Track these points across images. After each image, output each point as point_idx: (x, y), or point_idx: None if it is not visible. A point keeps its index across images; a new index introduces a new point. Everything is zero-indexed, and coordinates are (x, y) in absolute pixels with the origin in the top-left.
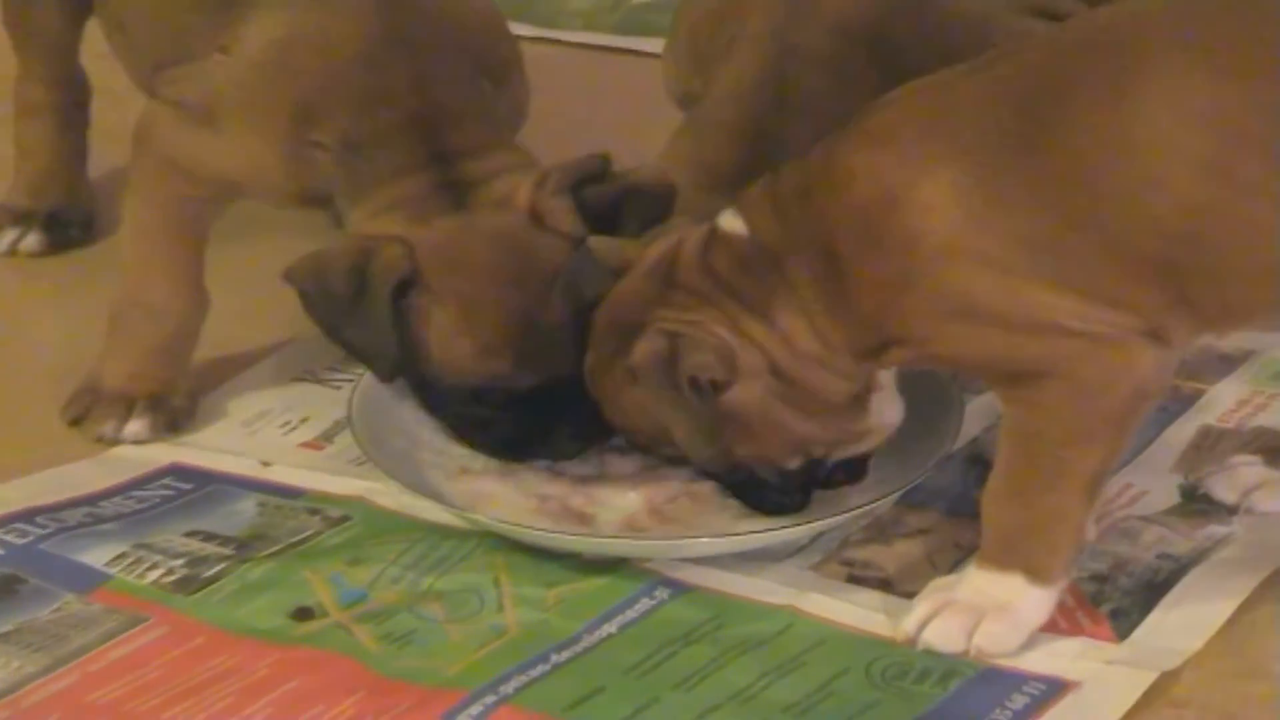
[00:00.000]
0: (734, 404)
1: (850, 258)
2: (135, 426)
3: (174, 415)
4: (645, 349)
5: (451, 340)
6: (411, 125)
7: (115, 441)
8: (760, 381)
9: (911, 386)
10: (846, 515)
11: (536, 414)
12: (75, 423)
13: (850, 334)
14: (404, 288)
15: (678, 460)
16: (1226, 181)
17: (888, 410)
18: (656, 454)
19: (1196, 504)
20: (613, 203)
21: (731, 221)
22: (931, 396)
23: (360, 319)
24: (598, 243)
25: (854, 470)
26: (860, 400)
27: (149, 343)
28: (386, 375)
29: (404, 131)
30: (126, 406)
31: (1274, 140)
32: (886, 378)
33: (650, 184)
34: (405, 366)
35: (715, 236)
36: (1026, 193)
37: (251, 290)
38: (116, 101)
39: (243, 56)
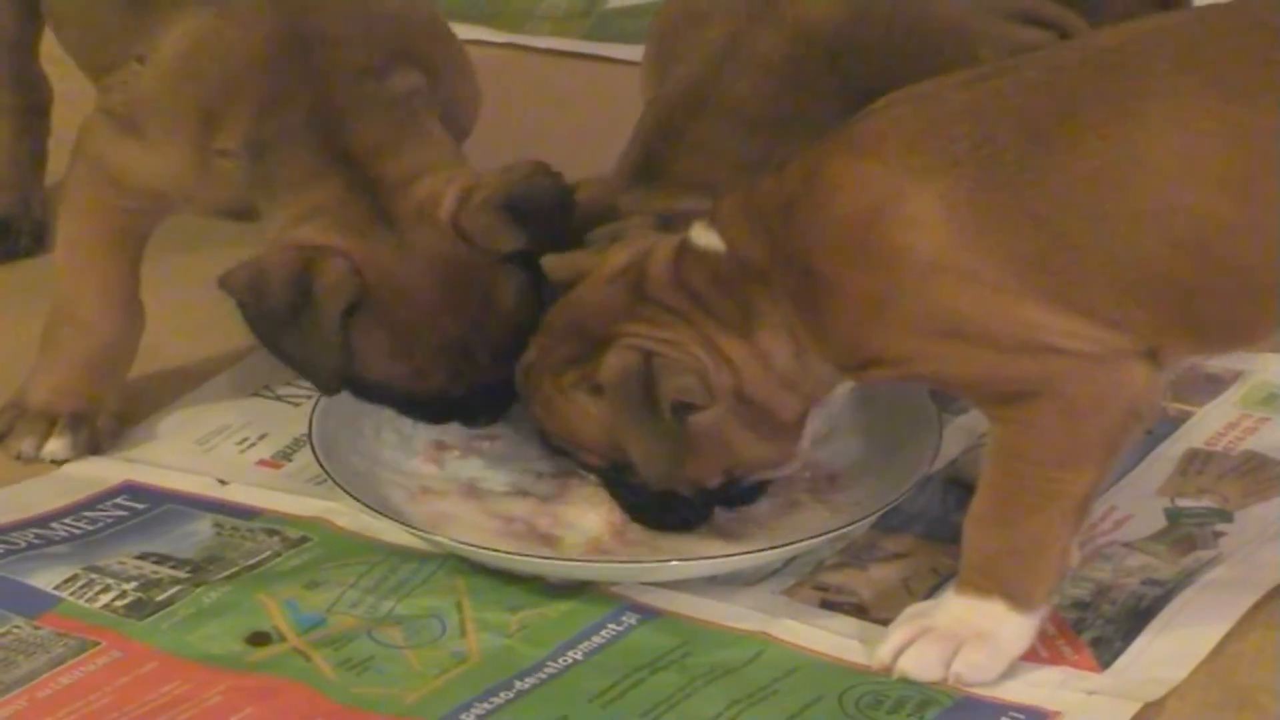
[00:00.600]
0: (699, 426)
1: (831, 273)
2: (54, 445)
3: (96, 435)
4: (617, 364)
5: (388, 360)
6: (312, 124)
7: (34, 459)
8: (725, 404)
9: (889, 407)
10: (821, 538)
11: (468, 403)
12: None
13: (831, 351)
14: (351, 309)
15: (588, 467)
16: (1244, 199)
17: (811, 430)
18: (570, 458)
19: (1182, 528)
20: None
21: (705, 236)
22: (909, 417)
23: (301, 332)
24: (550, 261)
25: (753, 493)
26: (800, 422)
27: (78, 359)
28: (329, 388)
29: (305, 131)
30: (48, 424)
31: (1275, 160)
32: (829, 401)
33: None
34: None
35: (687, 250)
36: (1021, 210)
37: (207, 304)
38: (77, 109)
39: (155, 65)
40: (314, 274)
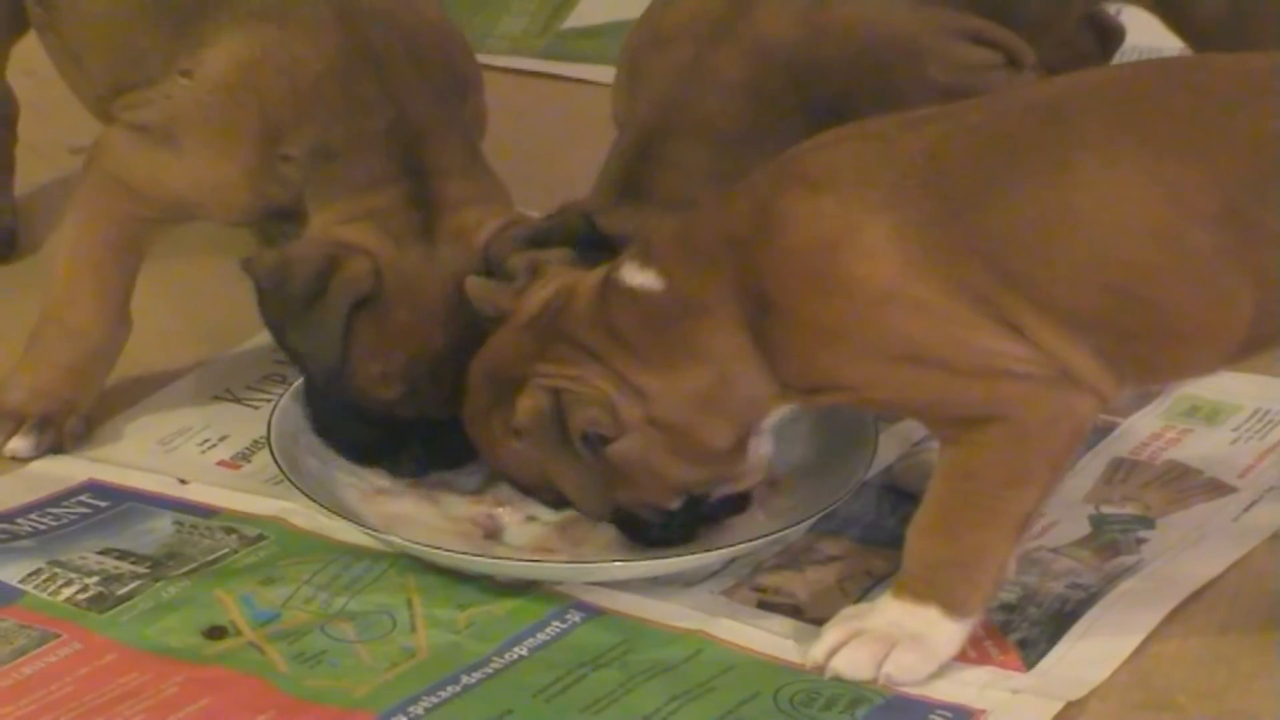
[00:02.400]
0: (618, 455)
1: (788, 302)
2: (17, 443)
3: (61, 437)
4: (528, 405)
5: (365, 358)
6: (391, 135)
7: None
8: (641, 433)
9: (827, 416)
10: (759, 541)
11: (394, 433)
12: None
13: (782, 377)
14: (360, 304)
15: (560, 503)
16: (1172, 249)
17: (763, 448)
18: (538, 499)
19: (1106, 535)
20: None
21: (639, 275)
22: (846, 425)
23: (309, 324)
24: (473, 285)
25: (737, 504)
26: (741, 443)
27: (60, 362)
28: (323, 383)
29: (383, 140)
30: (15, 423)
31: (1213, 211)
32: (768, 424)
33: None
34: (299, 358)
35: (614, 289)
36: (969, 247)
37: (172, 309)
38: (43, 118)
39: (206, 79)
40: (336, 268)
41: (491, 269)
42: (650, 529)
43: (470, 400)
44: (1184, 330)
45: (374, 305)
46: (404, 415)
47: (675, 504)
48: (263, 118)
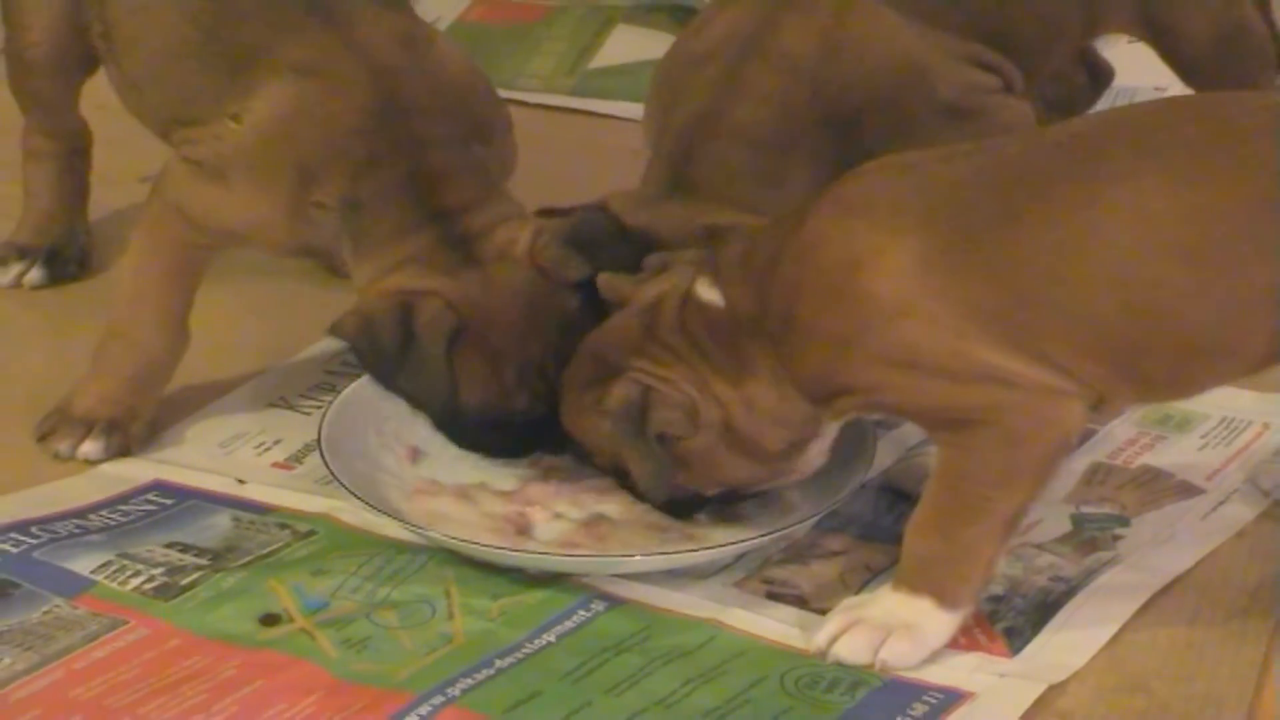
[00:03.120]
0: (685, 451)
1: (808, 318)
2: (87, 447)
3: (126, 441)
4: (619, 394)
5: (483, 384)
6: (409, 185)
7: (70, 459)
8: (714, 433)
9: None
10: (768, 537)
11: (544, 429)
12: (41, 439)
13: (803, 385)
14: (453, 339)
15: (600, 469)
16: (1192, 269)
17: (816, 458)
18: (600, 469)
19: (1085, 532)
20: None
21: (708, 291)
22: (847, 432)
23: (410, 369)
24: (604, 280)
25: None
26: (797, 447)
27: (124, 372)
28: (442, 418)
29: (402, 191)
30: (85, 428)
31: (1230, 233)
32: (831, 429)
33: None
34: (423, 402)
35: (691, 301)
36: (988, 271)
37: (231, 324)
38: (114, 149)
39: (251, 125)
40: (414, 314)
41: (546, 271)
42: (681, 506)
43: (572, 370)
44: (1203, 345)
45: (464, 336)
46: (539, 413)
47: (714, 492)
48: (298, 166)
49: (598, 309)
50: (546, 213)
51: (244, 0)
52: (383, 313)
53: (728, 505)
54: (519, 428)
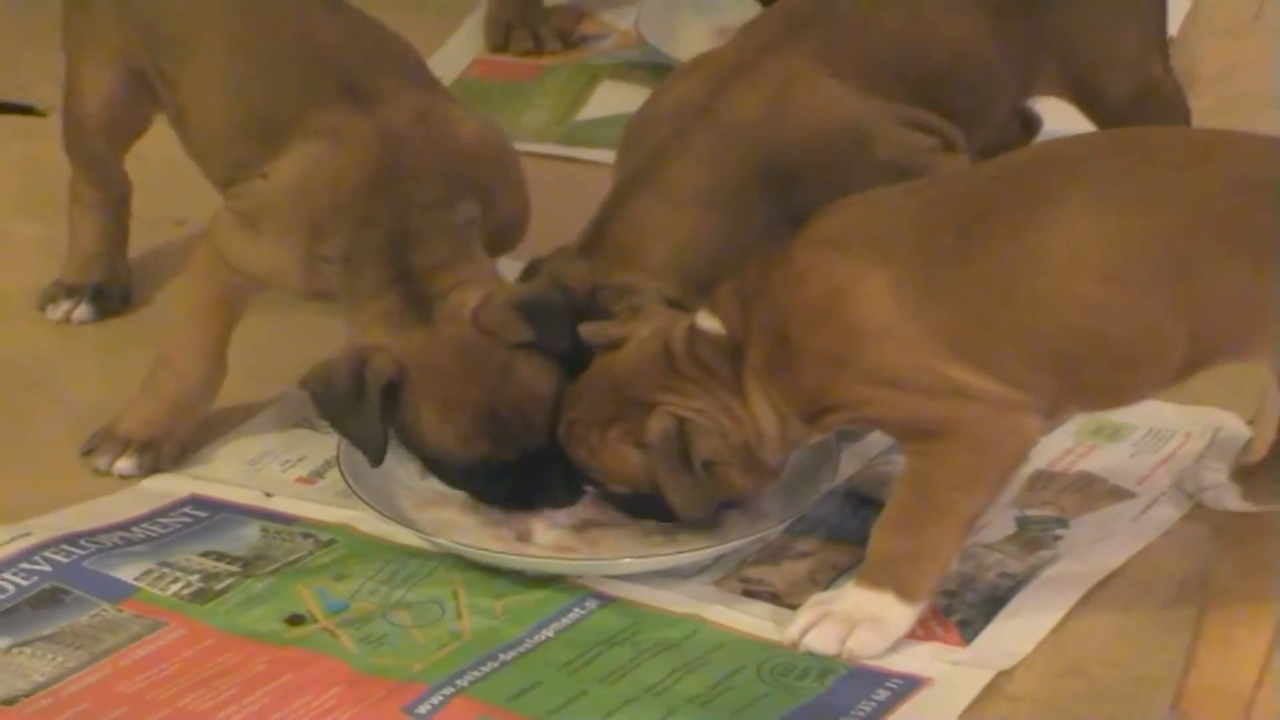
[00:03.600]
0: (721, 473)
1: (800, 338)
2: (123, 464)
3: (158, 460)
4: (658, 429)
5: (438, 431)
6: (388, 245)
7: (108, 474)
8: (737, 453)
9: None
10: (744, 541)
11: (529, 474)
12: (85, 454)
13: (795, 404)
14: (392, 389)
15: (610, 496)
16: (1119, 289)
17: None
18: (606, 495)
19: (1029, 533)
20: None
21: (708, 320)
22: (813, 446)
23: (358, 415)
24: (587, 329)
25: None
26: (781, 465)
27: (167, 396)
28: (375, 460)
29: (382, 251)
30: (123, 446)
31: (1154, 256)
32: (807, 444)
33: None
34: (411, 451)
35: (696, 333)
36: (951, 294)
37: (259, 353)
38: (153, 195)
39: (276, 181)
40: (366, 367)
41: (487, 330)
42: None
43: (585, 408)
44: (1130, 356)
45: (410, 387)
46: (508, 458)
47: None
48: (309, 220)
49: (552, 365)
50: (532, 268)
51: (287, 79)
52: (342, 365)
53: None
54: (499, 473)
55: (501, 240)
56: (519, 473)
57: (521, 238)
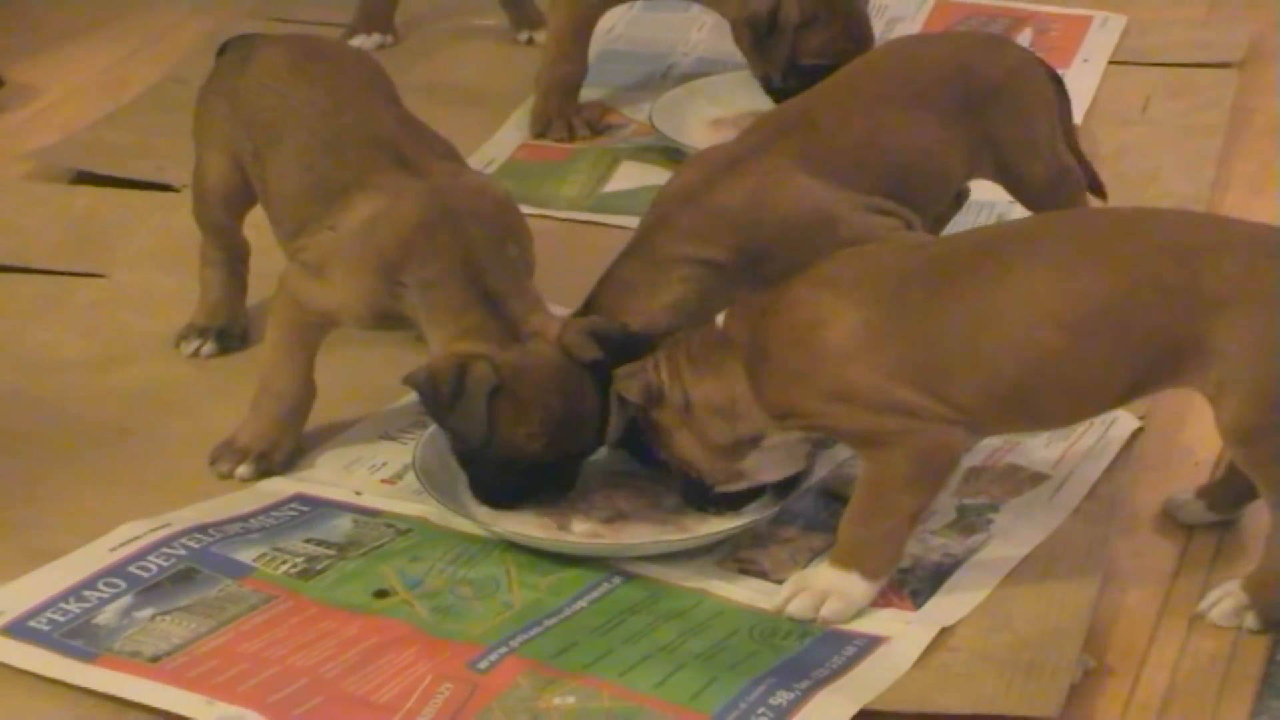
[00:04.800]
0: (657, 419)
1: (775, 353)
2: (242, 470)
3: (271, 465)
4: (622, 381)
5: (511, 428)
6: (463, 271)
7: (230, 478)
8: (676, 410)
9: (781, 445)
10: (737, 528)
11: (531, 478)
12: (212, 463)
13: (767, 405)
14: (494, 393)
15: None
16: (1070, 335)
17: (764, 471)
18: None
19: (966, 518)
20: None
21: (721, 317)
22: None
23: (459, 412)
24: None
25: (743, 498)
26: (738, 450)
27: (270, 415)
28: (478, 450)
29: (458, 275)
30: (241, 456)
31: (1099, 308)
32: (771, 444)
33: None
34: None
35: (708, 325)
36: (916, 336)
37: (350, 379)
38: (267, 256)
39: (344, 231)
40: (467, 372)
41: (568, 352)
42: (706, 500)
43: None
44: (1079, 389)
45: (503, 391)
46: (549, 459)
47: (695, 475)
48: (378, 259)
49: (599, 385)
50: (580, 313)
51: (348, 153)
52: (444, 369)
53: (733, 501)
54: (530, 473)
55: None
56: (534, 476)
57: (532, 277)
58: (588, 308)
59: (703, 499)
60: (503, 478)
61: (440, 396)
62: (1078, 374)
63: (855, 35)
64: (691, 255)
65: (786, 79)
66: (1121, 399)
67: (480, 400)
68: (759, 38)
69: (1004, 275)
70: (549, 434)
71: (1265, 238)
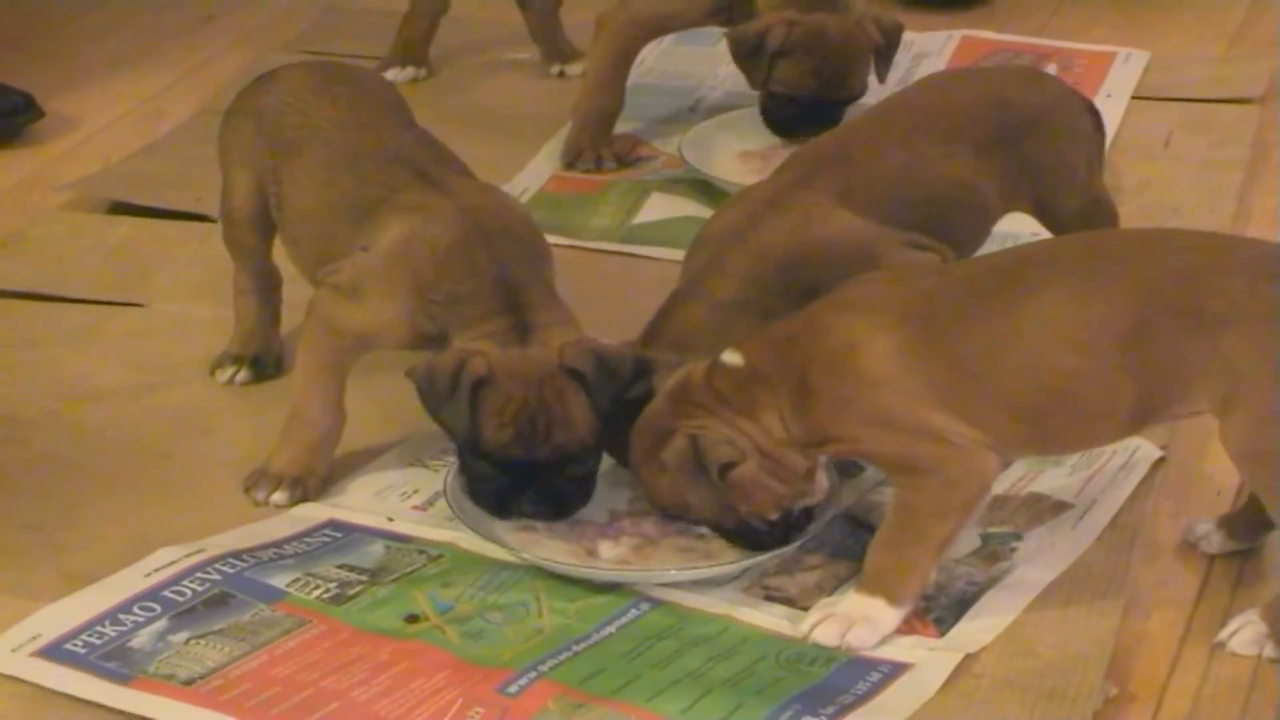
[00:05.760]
0: (738, 477)
1: (818, 381)
2: (277, 496)
3: (305, 492)
4: (672, 448)
5: (488, 418)
6: (496, 285)
7: (265, 504)
8: (755, 459)
9: None
10: (765, 557)
11: (516, 480)
12: (246, 490)
13: (807, 431)
14: (479, 385)
15: (695, 520)
16: (1085, 358)
17: (823, 480)
18: (679, 518)
19: (989, 546)
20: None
21: (731, 357)
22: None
23: (451, 405)
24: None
25: (809, 515)
26: (811, 471)
27: (303, 442)
28: (464, 443)
29: (488, 289)
30: (276, 482)
31: (1114, 332)
32: (823, 461)
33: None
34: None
35: (717, 366)
36: (946, 356)
37: (382, 408)
38: (299, 285)
39: (379, 251)
40: (464, 366)
41: (563, 361)
42: (759, 535)
43: (634, 450)
44: (1090, 411)
45: (490, 384)
46: (516, 455)
47: (775, 515)
48: (414, 276)
49: (595, 398)
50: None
51: (370, 170)
52: (444, 362)
53: (791, 526)
54: (504, 474)
55: None
56: (515, 479)
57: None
58: (647, 344)
59: (772, 536)
60: (491, 480)
61: (437, 389)
62: (1092, 395)
63: (823, 76)
64: (752, 301)
65: (767, 101)
66: (1135, 422)
67: (465, 390)
68: (741, 55)
69: (1024, 298)
70: (517, 426)
71: (1270, 256)
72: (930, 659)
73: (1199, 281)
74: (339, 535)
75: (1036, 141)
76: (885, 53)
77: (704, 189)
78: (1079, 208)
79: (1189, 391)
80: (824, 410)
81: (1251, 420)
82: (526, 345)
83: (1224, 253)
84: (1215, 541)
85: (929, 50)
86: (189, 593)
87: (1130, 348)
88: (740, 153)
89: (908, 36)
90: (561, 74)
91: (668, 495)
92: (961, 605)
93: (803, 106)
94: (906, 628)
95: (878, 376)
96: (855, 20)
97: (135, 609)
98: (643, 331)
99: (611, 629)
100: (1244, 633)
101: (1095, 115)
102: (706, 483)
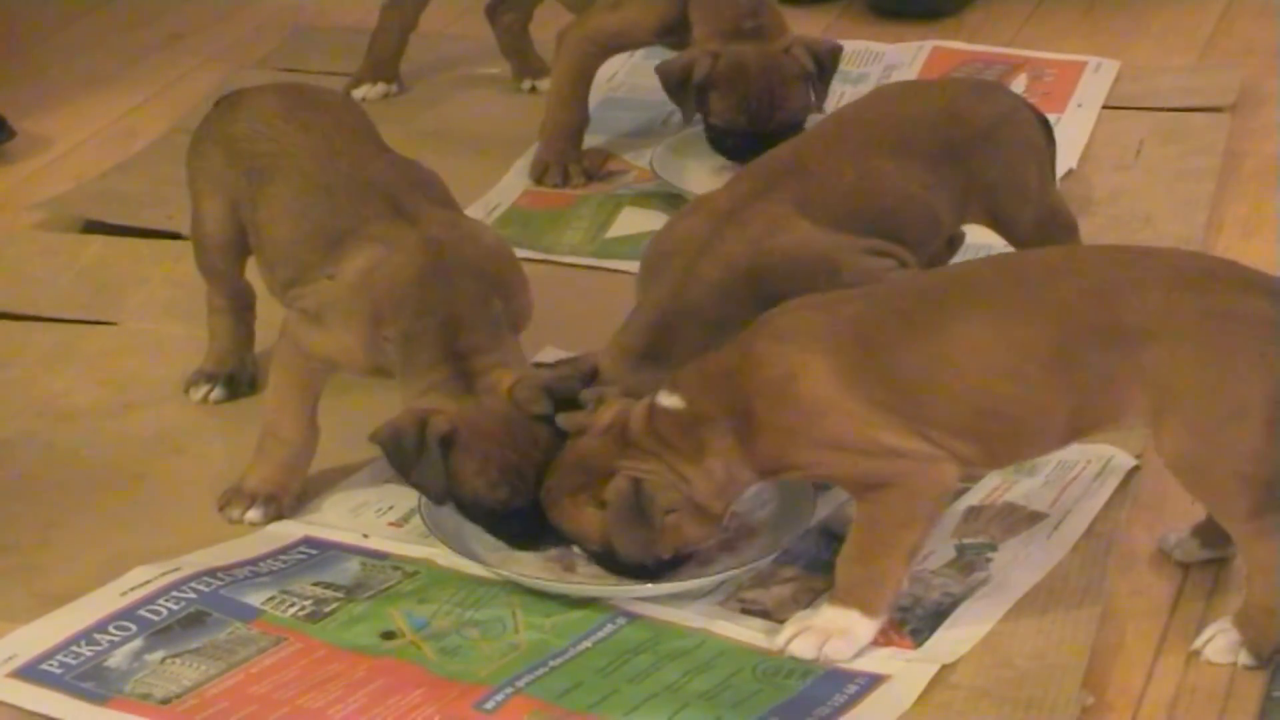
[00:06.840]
0: (674, 521)
1: (763, 413)
2: (251, 514)
3: (280, 509)
4: (615, 488)
5: (473, 479)
6: (442, 329)
7: (240, 522)
8: (684, 508)
9: (783, 487)
10: (740, 570)
11: (530, 520)
12: (221, 508)
13: (760, 462)
14: (446, 444)
15: (583, 550)
16: (1014, 382)
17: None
18: (581, 550)
19: (965, 558)
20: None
21: (669, 399)
22: (794, 493)
23: (421, 465)
24: (563, 418)
25: (689, 556)
26: (724, 513)
27: (276, 459)
28: (438, 501)
29: (435, 333)
30: (250, 500)
31: (1041, 354)
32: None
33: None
34: (451, 494)
35: (656, 409)
36: (881, 378)
37: (356, 425)
38: (271, 304)
39: (342, 280)
40: (427, 427)
41: (519, 405)
42: (634, 568)
43: (557, 481)
44: (1026, 430)
45: (460, 443)
46: (517, 504)
47: (668, 556)
48: (373, 307)
49: (559, 434)
50: (539, 365)
51: (343, 199)
52: (407, 425)
53: (679, 563)
54: (507, 517)
55: (515, 325)
56: (527, 518)
57: (528, 323)
58: (647, 355)
59: (647, 570)
60: (492, 522)
61: (405, 453)
62: (1025, 416)
63: (749, 110)
64: (729, 316)
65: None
66: (1068, 435)
67: (435, 452)
68: (669, 88)
69: (949, 322)
70: (510, 482)
71: (1184, 267)
72: (907, 670)
73: (1114, 298)
74: (314, 552)
75: (987, 154)
76: (821, 78)
77: (676, 203)
78: (1034, 219)
79: (1121, 407)
80: (774, 440)
81: (1182, 432)
82: (474, 393)
83: (1138, 267)
84: (1189, 550)
85: (900, 62)
86: (165, 611)
87: (1055, 370)
88: (713, 168)
89: (878, 48)
90: (533, 89)
91: (585, 527)
92: (938, 616)
93: (740, 138)
94: (883, 639)
95: (821, 402)
96: (784, 48)
97: (111, 628)
98: (627, 353)
99: (588, 644)
100: (1218, 641)
101: (1046, 127)
102: (641, 524)
